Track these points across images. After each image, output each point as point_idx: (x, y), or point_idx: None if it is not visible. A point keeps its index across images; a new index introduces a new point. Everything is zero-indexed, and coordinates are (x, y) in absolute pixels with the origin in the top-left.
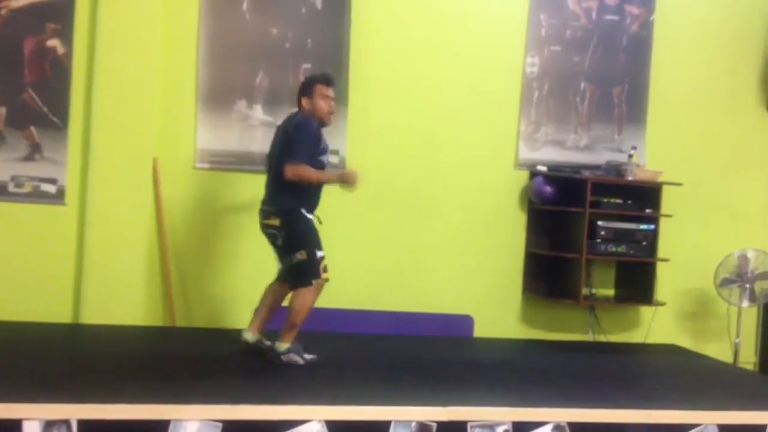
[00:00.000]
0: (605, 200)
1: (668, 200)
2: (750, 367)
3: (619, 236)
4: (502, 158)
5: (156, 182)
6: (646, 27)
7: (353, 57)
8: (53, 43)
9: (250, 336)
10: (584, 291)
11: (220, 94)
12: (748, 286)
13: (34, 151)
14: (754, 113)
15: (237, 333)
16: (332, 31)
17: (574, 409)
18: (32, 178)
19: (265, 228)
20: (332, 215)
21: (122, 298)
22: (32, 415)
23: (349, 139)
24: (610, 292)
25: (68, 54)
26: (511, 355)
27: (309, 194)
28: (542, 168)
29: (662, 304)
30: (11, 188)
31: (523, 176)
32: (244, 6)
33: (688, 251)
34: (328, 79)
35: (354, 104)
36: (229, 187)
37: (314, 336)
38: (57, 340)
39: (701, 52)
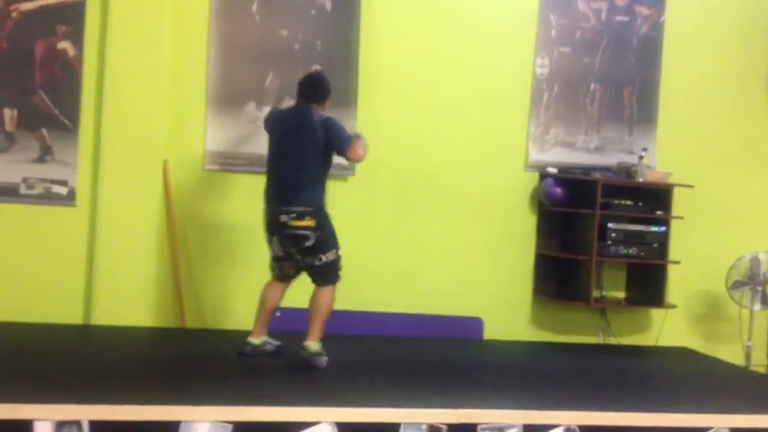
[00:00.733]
0: (616, 202)
1: (679, 202)
2: (762, 370)
3: (629, 238)
4: (512, 160)
5: (166, 184)
6: (657, 28)
7: (362, 58)
8: (64, 45)
9: (256, 340)
10: (595, 293)
11: (230, 95)
12: (759, 288)
13: (45, 153)
14: (764, 115)
15: (247, 334)
16: (342, 32)
17: (585, 411)
18: (43, 180)
19: (293, 230)
20: (341, 216)
21: (133, 299)
22: (43, 416)
23: None
24: (621, 294)
25: (79, 56)
26: (521, 357)
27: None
28: (552, 169)
29: (673, 306)
30: (22, 190)
31: (534, 178)
32: (254, 8)
33: (699, 253)
34: None
35: (363, 105)
36: (238, 188)
37: (325, 338)
38: (68, 342)
39: (712, 53)
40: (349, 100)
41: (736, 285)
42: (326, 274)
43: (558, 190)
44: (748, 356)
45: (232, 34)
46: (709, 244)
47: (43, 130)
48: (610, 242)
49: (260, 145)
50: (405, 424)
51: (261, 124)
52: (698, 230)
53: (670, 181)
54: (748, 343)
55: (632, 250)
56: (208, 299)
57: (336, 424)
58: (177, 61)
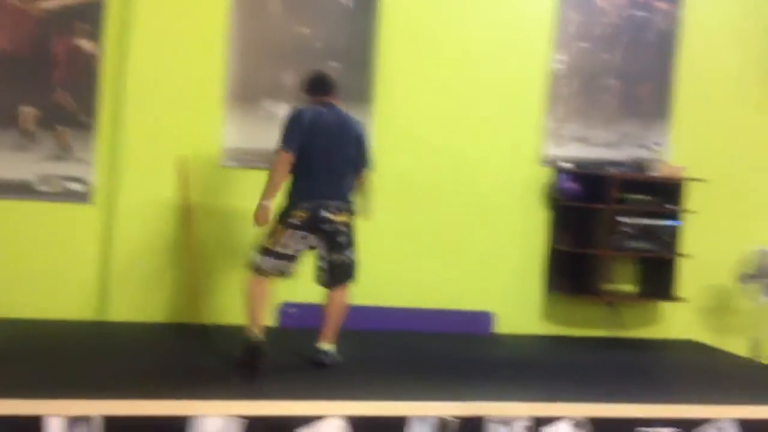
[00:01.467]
0: (629, 196)
1: (692, 196)
2: None
3: (642, 232)
4: (528, 154)
5: (184, 181)
6: (674, 22)
7: (381, 56)
8: (83, 43)
9: (261, 336)
10: (606, 287)
11: (249, 92)
12: None
13: (63, 151)
14: None
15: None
16: (361, 29)
17: (593, 403)
18: (61, 178)
19: (333, 224)
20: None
21: (149, 295)
22: (56, 412)
23: (376, 136)
24: (633, 287)
25: (98, 54)
26: (531, 351)
27: None
28: (567, 164)
29: (683, 299)
30: (40, 187)
31: (548, 172)
32: (275, 5)
33: (710, 247)
34: None
35: (381, 102)
36: (256, 185)
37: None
38: (82, 338)
39: (728, 49)
40: (366, 96)
41: (746, 278)
42: (345, 273)
43: (572, 185)
44: (756, 348)
45: (252, 30)
46: (721, 238)
47: (62, 128)
48: (622, 236)
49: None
50: (414, 417)
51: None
52: (710, 224)
53: (683, 175)
54: (757, 336)
55: (644, 244)
56: (225, 295)
57: (346, 417)
58: (196, 58)
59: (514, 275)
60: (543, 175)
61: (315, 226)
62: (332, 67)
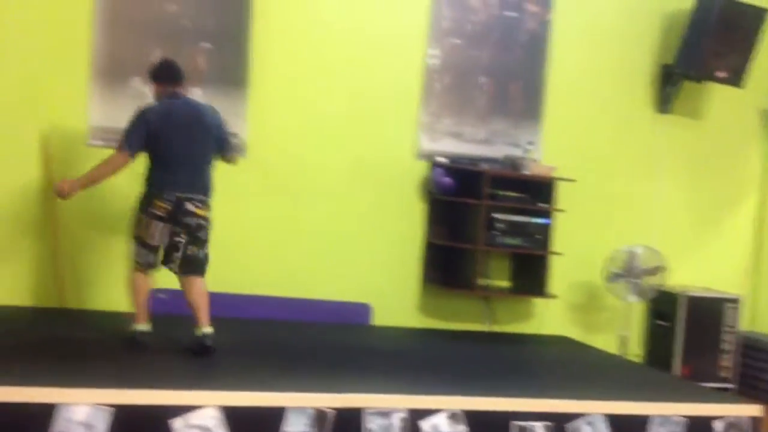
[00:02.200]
0: (502, 193)
1: (562, 195)
2: (636, 359)
3: (514, 229)
4: (403, 148)
5: (47, 158)
6: (544, 25)
7: (255, 38)
8: None
9: (146, 327)
10: (481, 282)
11: (116, 69)
12: (635, 281)
13: None
14: (644, 114)
15: (127, 316)
16: (233, 10)
17: (469, 397)
18: None
19: (192, 217)
20: (231, 198)
21: (9, 277)
22: None
23: (250, 123)
24: (506, 283)
25: None
26: (408, 343)
27: None
28: (442, 159)
29: (554, 296)
30: None
31: (424, 166)
32: None
33: (580, 246)
34: None
35: (255, 87)
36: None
37: (212, 320)
38: None
39: (596, 53)
40: (240, 80)
41: (614, 277)
42: (202, 264)
43: (447, 180)
44: (623, 345)
45: (120, 5)
46: (590, 236)
47: None
48: (496, 232)
49: None
50: (291, 408)
51: (147, 100)
52: (579, 223)
53: (554, 174)
54: (624, 334)
55: (517, 241)
56: (88, 278)
57: (221, 408)
58: (58, 30)
59: (391, 268)
60: (420, 169)
61: (178, 218)
62: (204, 48)
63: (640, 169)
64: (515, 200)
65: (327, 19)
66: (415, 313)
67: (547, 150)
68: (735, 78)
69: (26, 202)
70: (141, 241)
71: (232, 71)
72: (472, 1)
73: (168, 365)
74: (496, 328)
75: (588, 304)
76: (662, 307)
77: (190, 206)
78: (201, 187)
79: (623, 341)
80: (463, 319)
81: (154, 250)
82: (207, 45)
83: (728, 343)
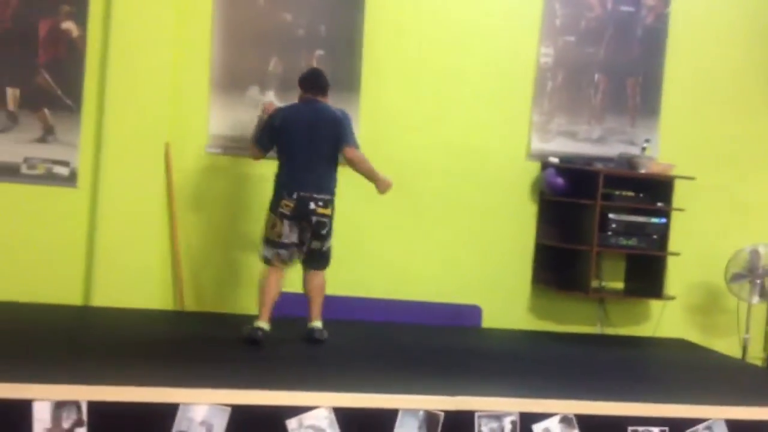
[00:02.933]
0: (617, 193)
1: (680, 194)
2: (758, 362)
3: (630, 229)
4: (515, 149)
5: (168, 166)
6: (662, 19)
7: (366, 45)
8: (68, 25)
9: (266, 325)
10: (594, 283)
11: (233, 79)
12: (758, 281)
13: (47, 133)
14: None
15: (246, 318)
16: (346, 18)
17: (582, 401)
18: (45, 161)
19: (316, 216)
20: (345, 203)
21: (133, 281)
22: (42, 396)
23: (362, 127)
24: (620, 285)
25: (82, 36)
26: (519, 346)
27: None
28: (554, 159)
29: (672, 298)
30: (24, 170)
31: (535, 167)
32: None
33: (699, 245)
34: None
35: (366, 93)
36: (240, 171)
37: (325, 323)
38: (67, 322)
39: (717, 46)
40: (352, 85)
41: (735, 277)
42: (326, 259)
43: (559, 180)
44: (745, 349)
45: (237, 16)
46: (710, 236)
47: (46, 110)
48: (610, 233)
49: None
50: (402, 410)
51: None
52: (699, 222)
53: (672, 172)
54: (746, 336)
55: (632, 241)
56: (208, 282)
57: (333, 409)
58: (180, 44)
59: (502, 269)
60: (531, 170)
61: (303, 217)
62: (318, 56)
63: (762, 165)
64: (631, 200)
65: (438, 20)
66: (526, 314)
67: (664, 147)
68: None
69: (150, 207)
70: (270, 239)
71: (345, 76)
72: None
73: (281, 366)
74: (610, 331)
75: (708, 306)
76: None
77: (312, 205)
78: (323, 187)
79: (745, 344)
80: (574, 321)
81: (283, 247)
82: (320, 52)
83: None
